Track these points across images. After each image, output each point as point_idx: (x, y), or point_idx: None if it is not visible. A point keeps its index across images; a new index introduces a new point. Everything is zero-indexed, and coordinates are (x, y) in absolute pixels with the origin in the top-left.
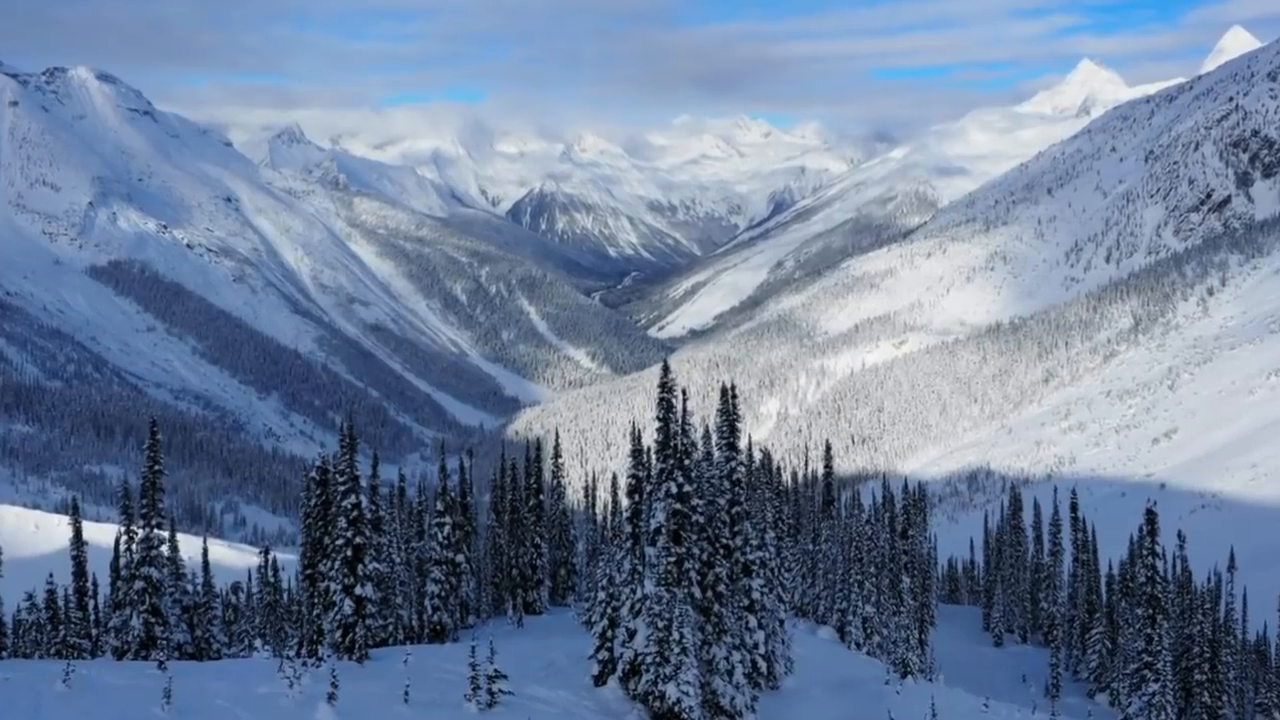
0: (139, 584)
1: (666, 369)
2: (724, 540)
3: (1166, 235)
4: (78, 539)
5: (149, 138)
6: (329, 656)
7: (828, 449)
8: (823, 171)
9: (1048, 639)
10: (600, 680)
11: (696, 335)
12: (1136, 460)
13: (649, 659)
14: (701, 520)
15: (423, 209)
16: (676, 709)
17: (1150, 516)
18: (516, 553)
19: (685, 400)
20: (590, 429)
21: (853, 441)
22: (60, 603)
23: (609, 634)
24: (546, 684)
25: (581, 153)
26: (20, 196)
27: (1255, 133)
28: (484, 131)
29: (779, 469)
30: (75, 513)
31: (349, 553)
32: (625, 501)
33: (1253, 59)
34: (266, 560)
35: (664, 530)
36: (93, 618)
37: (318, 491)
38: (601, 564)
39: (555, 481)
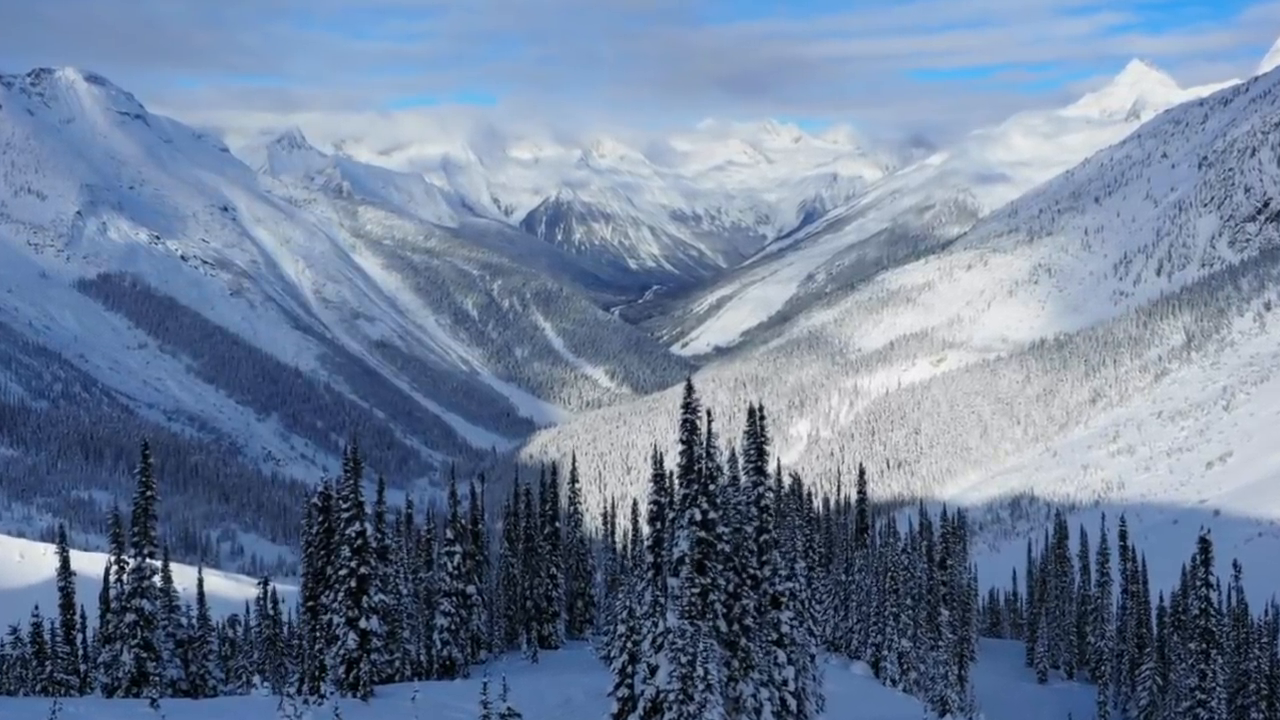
0: (130, 617)
1: (690, 388)
2: (751, 570)
3: (1221, 246)
4: (65, 569)
5: (141, 143)
6: (332, 694)
7: (861, 473)
8: (856, 179)
9: (1095, 675)
10: (620, 719)
11: (722, 352)
12: (1189, 485)
13: (672, 696)
14: (727, 549)
15: (431, 218)
16: None
17: (1204, 545)
18: (531, 583)
19: (710, 422)
20: (609, 452)
21: (888, 465)
22: (47, 636)
23: (629, 670)
24: None
25: (600, 159)
26: (4, 205)
27: None
28: (496, 136)
29: (810, 495)
30: (63, 541)
31: (353, 583)
32: (646, 529)
33: None
34: (265, 591)
35: (688, 560)
36: (81, 652)
37: (320, 519)
38: (621, 595)
39: (572, 508)
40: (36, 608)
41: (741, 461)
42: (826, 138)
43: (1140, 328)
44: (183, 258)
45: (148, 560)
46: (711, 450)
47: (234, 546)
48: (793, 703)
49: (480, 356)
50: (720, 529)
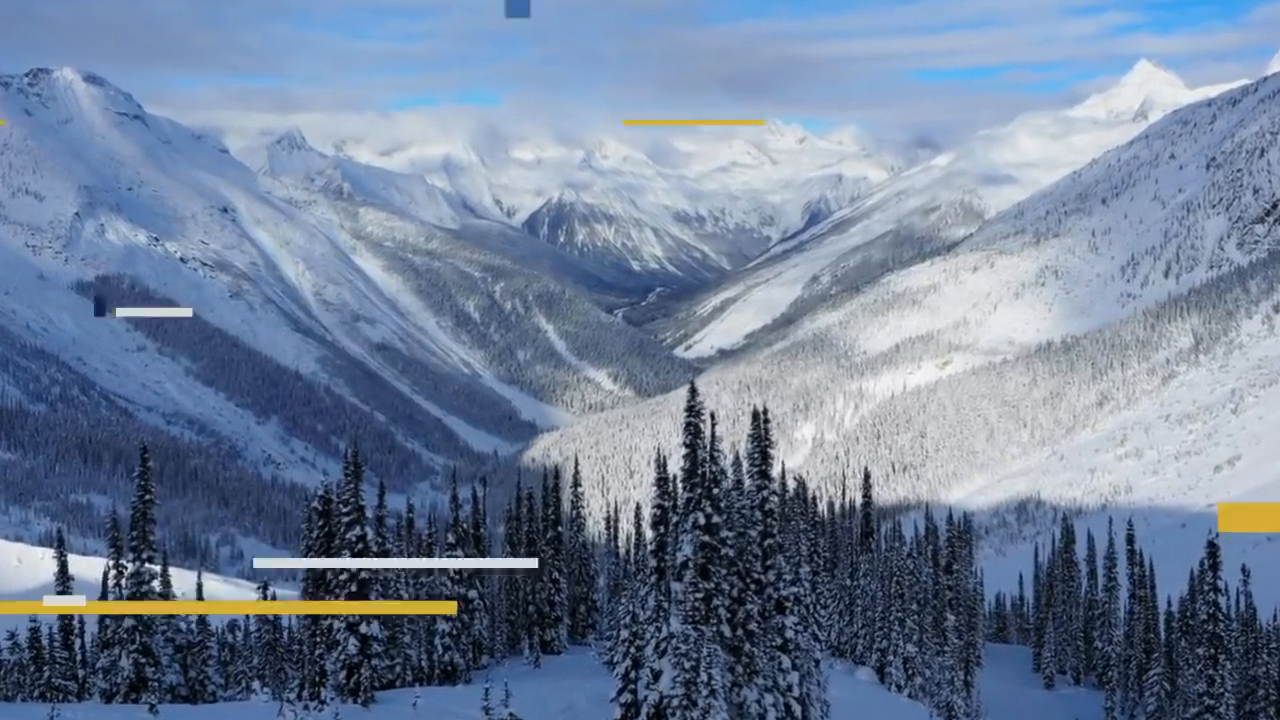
0: (129, 621)
1: (694, 391)
2: (755, 575)
3: (1229, 248)
4: (63, 573)
5: (139, 144)
6: (332, 699)
7: (866, 477)
8: (861, 180)
9: (1102, 680)
10: None
11: (726, 355)
12: (1197, 489)
13: (675, 702)
14: (731, 554)
15: (433, 220)
16: None
17: (1212, 549)
18: (533, 588)
19: (714, 425)
20: (612, 456)
21: (893, 469)
22: (44, 642)
23: (632, 675)
24: None
25: (602, 160)
26: (1, 206)
27: None
28: (498, 137)
29: (814, 498)
30: (61, 545)
31: (354, 588)
32: (650, 533)
33: None
34: (265, 596)
35: (691, 564)
36: (79, 658)
37: (320, 523)
38: (624, 600)
39: (574, 512)
40: None
41: (745, 465)
42: (831, 138)
43: (1148, 330)
44: (182, 259)
45: (146, 565)
46: (715, 454)
47: (233, 551)
48: (797, 709)
49: (482, 359)
50: (724, 533)
